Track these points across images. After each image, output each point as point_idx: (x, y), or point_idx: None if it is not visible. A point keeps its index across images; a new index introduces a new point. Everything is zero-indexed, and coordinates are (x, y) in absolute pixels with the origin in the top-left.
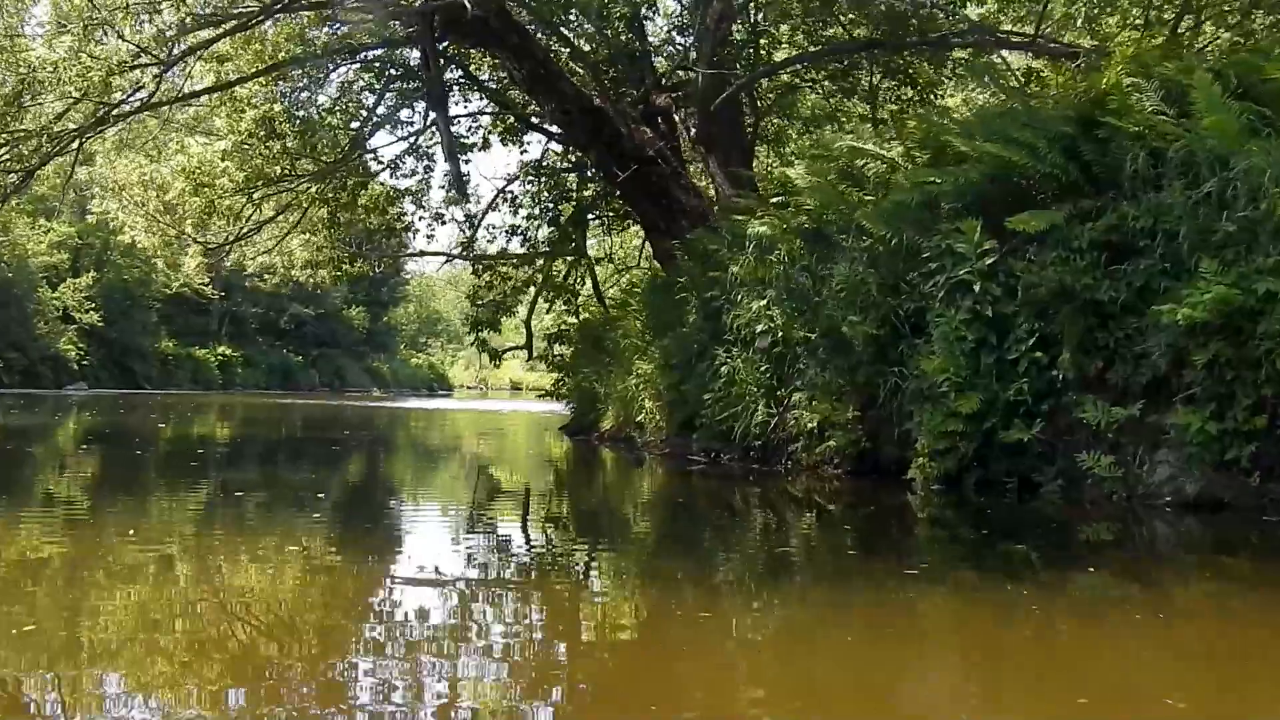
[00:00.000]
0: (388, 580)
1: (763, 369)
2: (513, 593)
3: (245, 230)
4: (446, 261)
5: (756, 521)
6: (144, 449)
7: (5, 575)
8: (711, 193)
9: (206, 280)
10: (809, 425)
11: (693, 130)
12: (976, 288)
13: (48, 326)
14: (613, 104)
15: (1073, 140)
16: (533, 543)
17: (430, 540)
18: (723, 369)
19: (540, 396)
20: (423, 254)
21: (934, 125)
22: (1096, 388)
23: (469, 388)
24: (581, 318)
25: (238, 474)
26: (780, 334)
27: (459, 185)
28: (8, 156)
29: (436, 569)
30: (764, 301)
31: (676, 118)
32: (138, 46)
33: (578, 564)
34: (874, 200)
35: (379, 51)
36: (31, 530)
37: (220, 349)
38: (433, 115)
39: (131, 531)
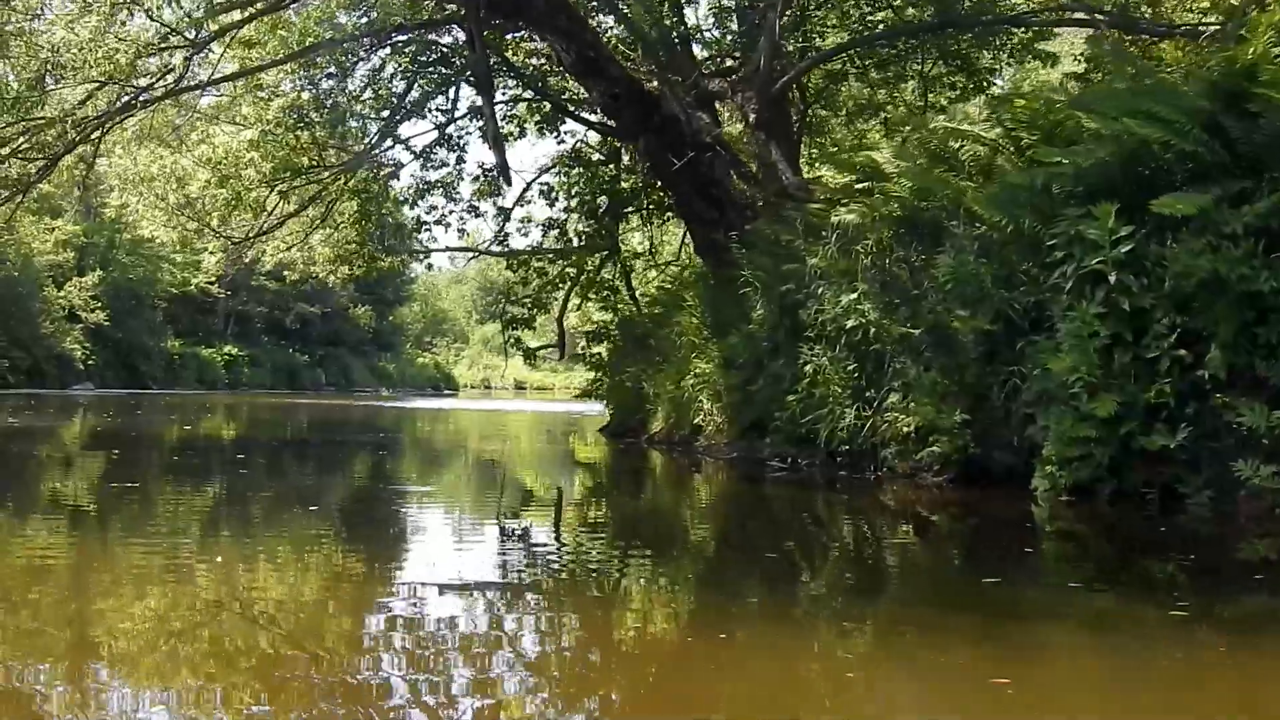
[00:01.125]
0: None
1: (850, 368)
2: (590, 617)
3: (269, 224)
4: (474, 257)
5: (856, 536)
6: (168, 453)
7: (34, 582)
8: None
9: (226, 276)
10: (905, 429)
11: (751, 116)
12: (1112, 278)
13: (53, 325)
14: (669, 88)
15: (1213, 117)
16: (608, 561)
17: (514, 567)
18: (806, 368)
19: (576, 397)
20: (454, 250)
21: (1050, 103)
22: (1250, 389)
23: (489, 387)
24: (620, 315)
25: (270, 481)
26: (872, 330)
27: (504, 173)
28: (27, 145)
29: (524, 601)
30: (854, 295)
31: (734, 102)
32: (167, 26)
33: (659, 589)
34: (972, 185)
35: (408, 36)
36: (67, 537)
37: (226, 348)
38: (468, 102)
39: (183, 547)
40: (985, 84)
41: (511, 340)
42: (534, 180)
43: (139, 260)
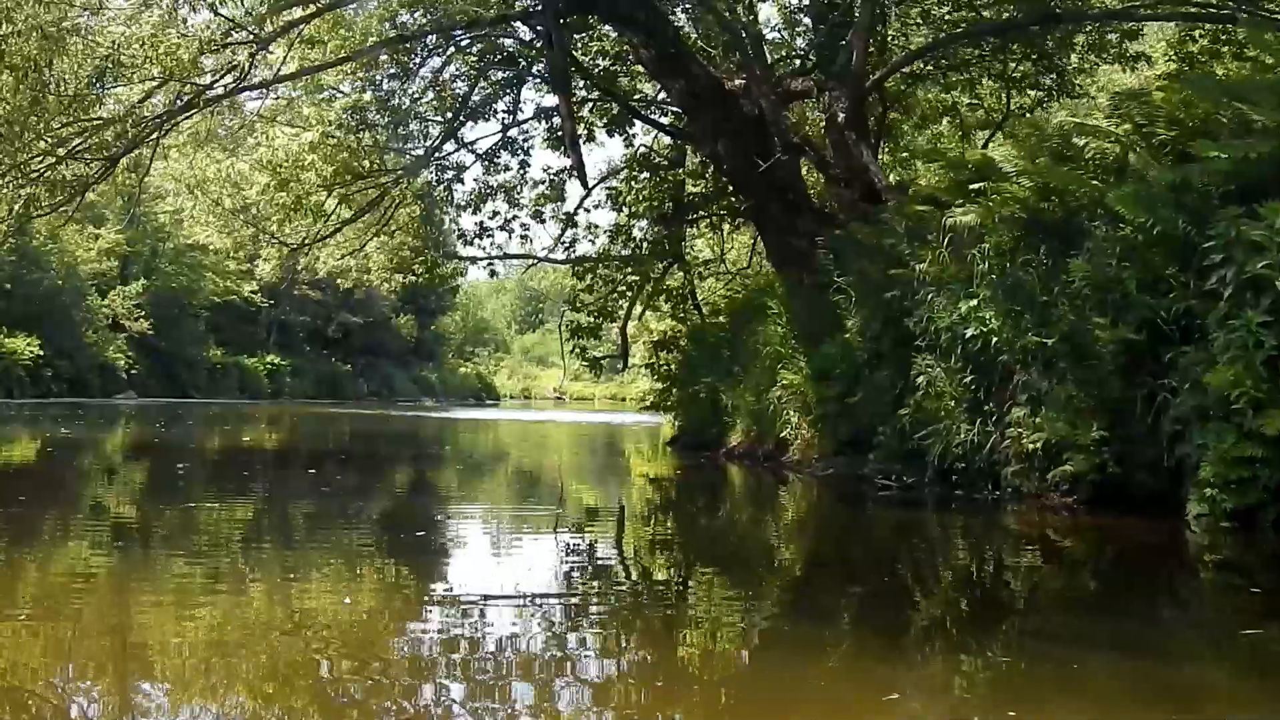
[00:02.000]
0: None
1: (967, 380)
2: (686, 649)
3: (328, 229)
4: (533, 264)
5: (978, 564)
6: (237, 467)
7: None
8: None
9: (276, 283)
10: (1032, 446)
11: (840, 115)
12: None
13: (96, 335)
14: (757, 85)
15: None
16: (699, 592)
17: (627, 601)
18: (917, 380)
19: (643, 408)
20: (516, 257)
21: (1194, 96)
22: None
23: (528, 397)
24: (690, 323)
25: (356, 499)
26: (994, 340)
27: (580, 174)
28: (84, 146)
29: (617, 635)
30: (973, 302)
31: (820, 102)
32: (231, 21)
33: (758, 628)
34: (1104, 185)
35: (474, 35)
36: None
37: (268, 358)
38: (533, 104)
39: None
40: (1071, 85)
41: (576, 349)
42: (596, 184)
43: (182, 269)
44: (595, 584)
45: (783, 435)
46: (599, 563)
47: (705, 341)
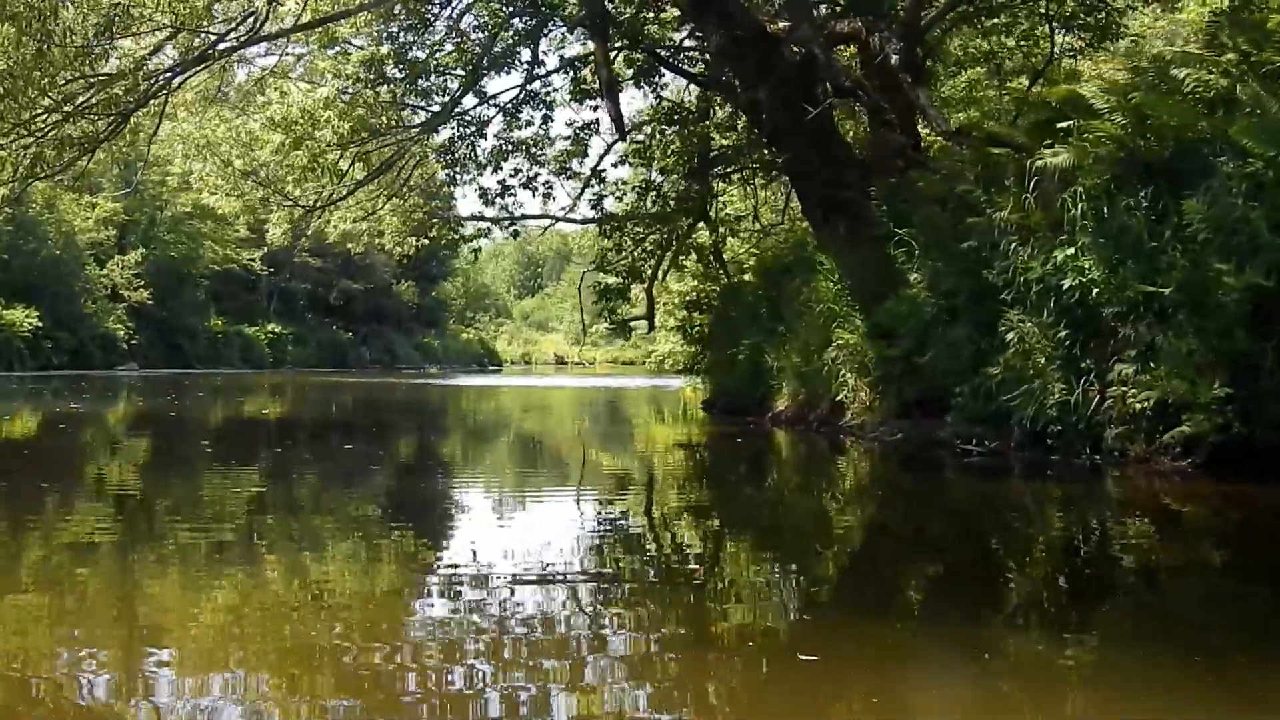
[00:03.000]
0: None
1: (1061, 334)
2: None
3: (343, 190)
4: (553, 224)
5: (1092, 538)
6: (268, 442)
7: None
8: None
9: (279, 249)
10: (1140, 405)
11: (894, 58)
12: None
13: (96, 305)
14: (810, 25)
15: None
16: (776, 573)
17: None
18: (1008, 336)
19: (679, 371)
20: (541, 218)
21: None
22: None
23: (528, 362)
24: (722, 283)
25: (394, 481)
26: (1094, 291)
27: (618, 124)
28: (92, 102)
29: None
30: (1070, 250)
31: (871, 44)
32: None
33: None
34: (1209, 119)
35: None
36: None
37: (270, 326)
38: (556, 55)
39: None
40: (1117, 26)
41: (605, 311)
42: (622, 138)
43: (180, 237)
44: (667, 562)
45: (839, 398)
46: (668, 540)
47: (742, 301)
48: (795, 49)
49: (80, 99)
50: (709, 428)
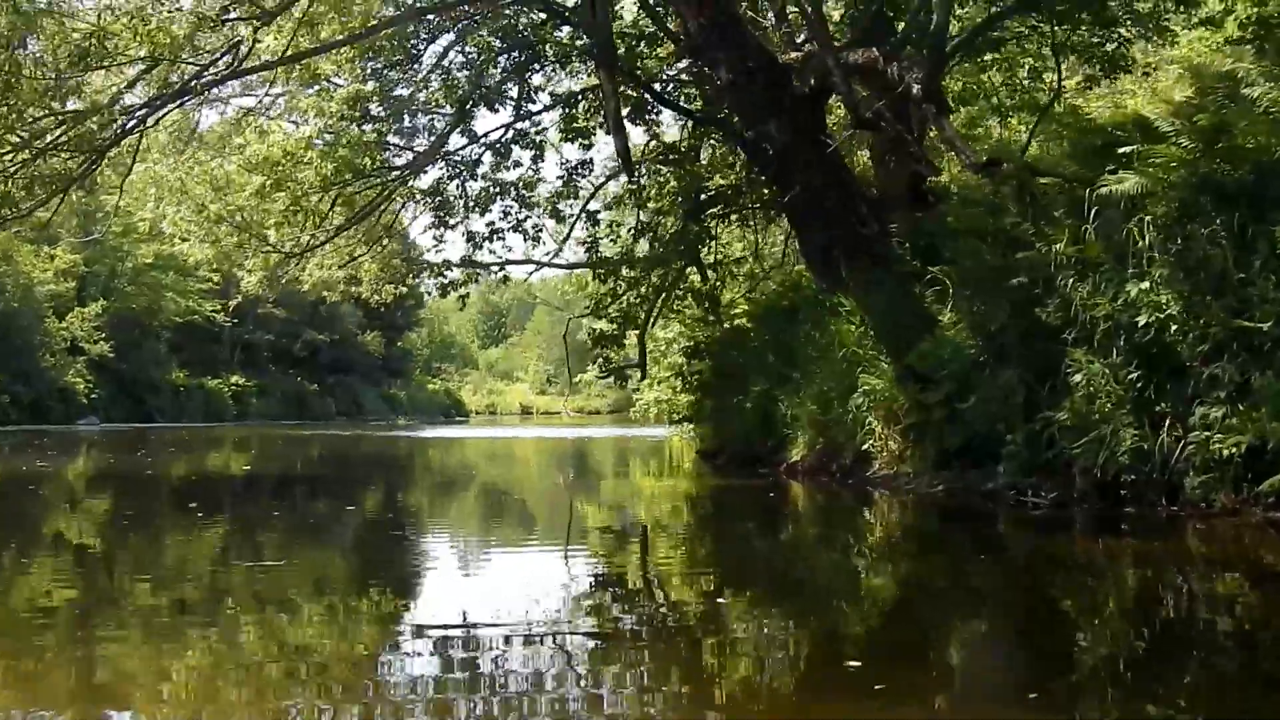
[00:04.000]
0: None
1: (1133, 376)
2: None
3: (324, 234)
4: (537, 269)
5: (1176, 602)
6: (245, 503)
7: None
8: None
9: (268, 296)
10: (1228, 451)
11: (915, 88)
12: None
13: (55, 358)
14: (831, 55)
15: None
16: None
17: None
18: (1074, 378)
19: (673, 420)
20: (530, 263)
21: None
22: None
23: (494, 413)
24: (722, 328)
25: (384, 544)
26: (1172, 327)
27: (626, 162)
28: (65, 139)
29: None
30: (1144, 285)
31: (890, 73)
32: None
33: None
34: None
35: (484, 13)
36: None
37: (233, 378)
38: (547, 91)
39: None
40: (1126, 58)
41: (600, 358)
42: (607, 181)
43: (142, 289)
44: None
45: (865, 447)
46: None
47: (746, 346)
48: (810, 79)
49: (51, 135)
50: (717, 480)
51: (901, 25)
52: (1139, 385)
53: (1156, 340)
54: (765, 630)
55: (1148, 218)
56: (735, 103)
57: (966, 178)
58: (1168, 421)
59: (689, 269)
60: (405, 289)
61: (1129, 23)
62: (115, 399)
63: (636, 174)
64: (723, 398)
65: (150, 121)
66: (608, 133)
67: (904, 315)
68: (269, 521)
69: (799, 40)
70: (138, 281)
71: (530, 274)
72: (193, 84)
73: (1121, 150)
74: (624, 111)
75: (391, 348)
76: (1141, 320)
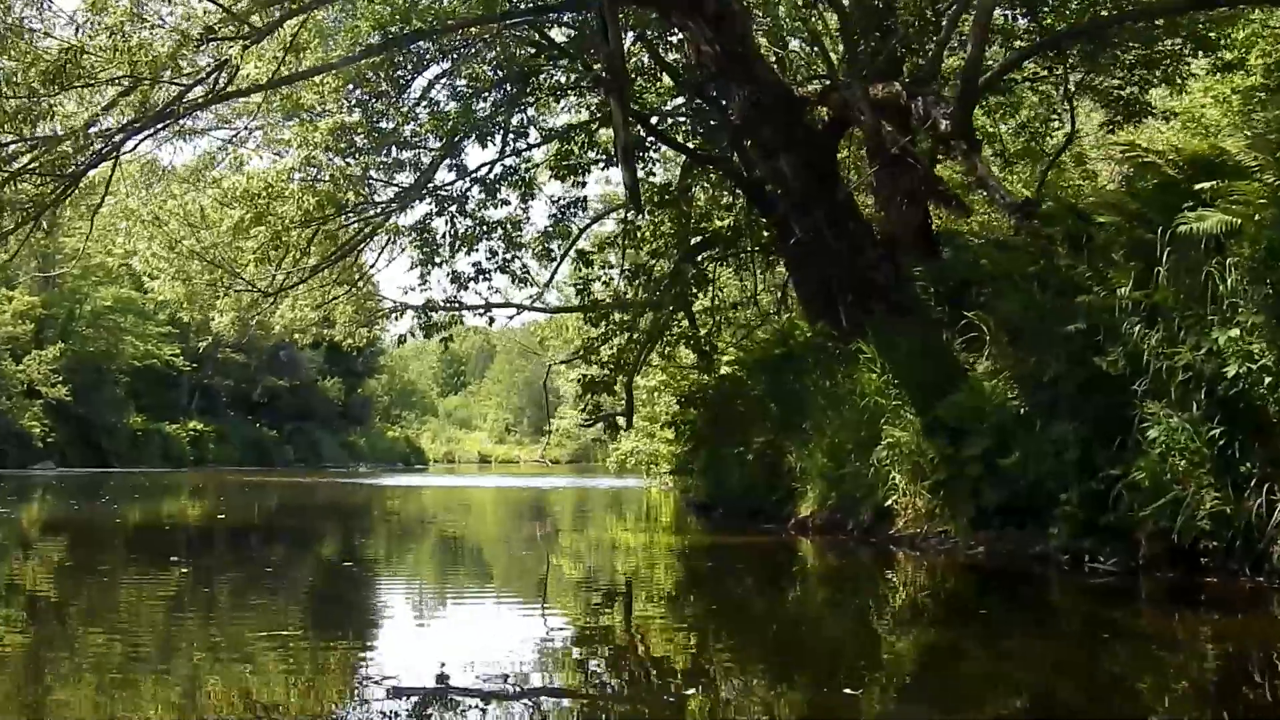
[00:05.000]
0: None
1: (1215, 433)
2: None
3: (302, 273)
4: (519, 311)
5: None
6: (234, 555)
7: None
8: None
9: (242, 336)
10: None
11: (944, 124)
12: None
13: (11, 401)
14: (859, 89)
15: None
16: None
17: None
18: (1149, 433)
19: (658, 473)
20: (521, 307)
21: None
22: None
23: (452, 461)
24: (724, 374)
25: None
26: (1266, 380)
27: (634, 196)
28: (35, 164)
29: None
30: (1233, 332)
31: (914, 109)
32: (223, 6)
33: None
34: None
35: (485, 34)
36: None
37: (191, 424)
38: (538, 124)
39: None
40: (1140, 103)
41: (589, 408)
42: (595, 221)
43: (100, 332)
44: None
45: (887, 504)
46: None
47: (745, 394)
48: (828, 114)
49: (21, 161)
50: (717, 536)
51: (907, 64)
52: (1222, 443)
53: (1243, 394)
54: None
55: (1231, 259)
56: (745, 137)
57: (995, 220)
58: (1253, 483)
59: (681, 314)
60: (379, 334)
61: (1147, 68)
62: (72, 443)
63: (630, 214)
64: (719, 448)
65: (128, 146)
66: (615, 164)
67: (931, 364)
68: (260, 577)
69: (809, 74)
70: (96, 324)
71: (512, 317)
72: (174, 108)
73: (1199, 186)
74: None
75: (351, 394)
76: (1230, 371)
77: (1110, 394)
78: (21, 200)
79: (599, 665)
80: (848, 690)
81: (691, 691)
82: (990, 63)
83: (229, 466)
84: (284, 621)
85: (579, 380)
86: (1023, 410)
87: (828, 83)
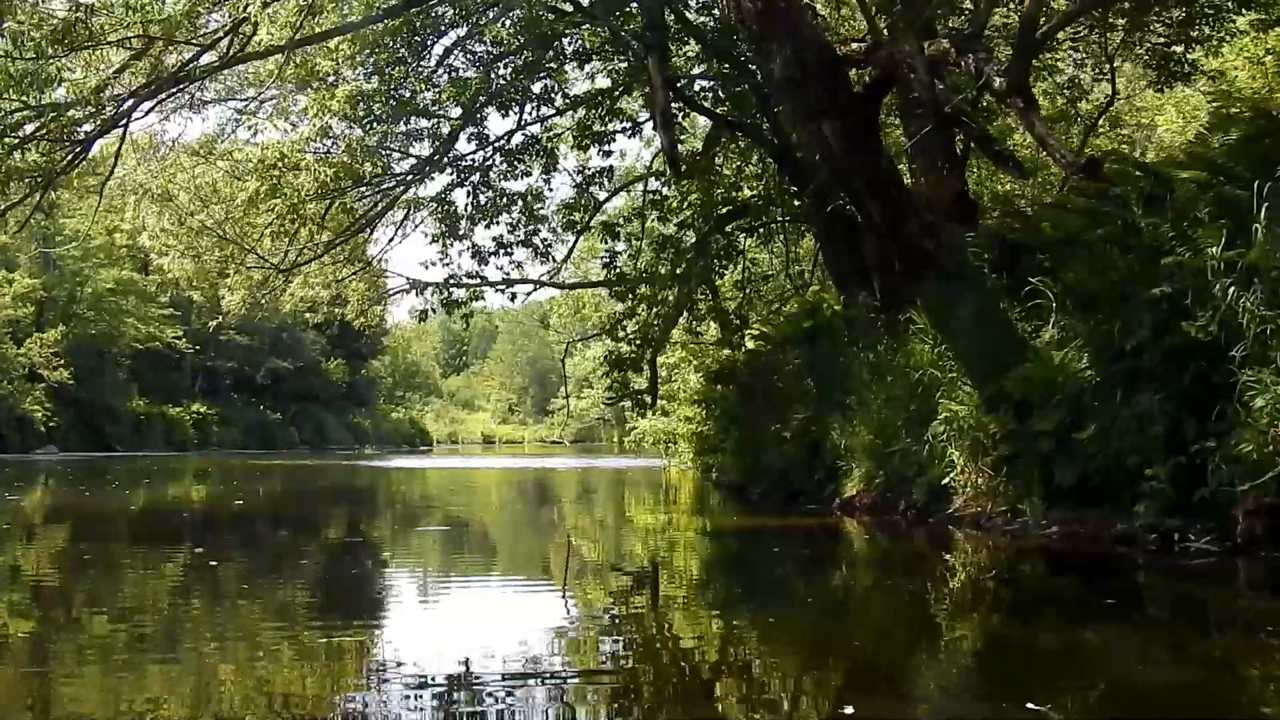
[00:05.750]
0: None
1: None
2: None
3: (317, 248)
4: (537, 288)
5: None
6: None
7: None
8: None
9: (253, 315)
10: None
11: (998, 81)
12: None
13: (12, 385)
14: (912, 42)
15: None
16: None
17: None
18: (1255, 402)
19: (695, 454)
20: (542, 284)
21: None
22: None
23: (455, 442)
24: (748, 350)
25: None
26: None
27: (673, 160)
28: (43, 130)
29: None
30: None
31: (964, 66)
32: None
33: None
34: None
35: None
36: None
37: (195, 407)
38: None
39: None
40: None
41: (617, 384)
42: (621, 189)
43: (102, 315)
44: None
45: (944, 483)
46: None
47: (781, 369)
48: (873, 73)
49: (30, 127)
50: (756, 518)
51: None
52: None
53: None
54: None
55: None
56: (786, 100)
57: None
58: None
59: (707, 287)
60: (391, 312)
61: (1189, 25)
62: (74, 427)
63: (662, 183)
64: (752, 426)
65: (139, 113)
66: (638, 134)
67: (990, 334)
68: (296, 567)
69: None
70: (98, 307)
71: (530, 293)
72: (188, 70)
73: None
74: (645, 116)
75: (355, 376)
76: None
77: (1200, 362)
78: (30, 169)
79: (673, 667)
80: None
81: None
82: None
83: (234, 450)
84: (328, 612)
85: (605, 357)
86: (1098, 381)
87: (871, 41)
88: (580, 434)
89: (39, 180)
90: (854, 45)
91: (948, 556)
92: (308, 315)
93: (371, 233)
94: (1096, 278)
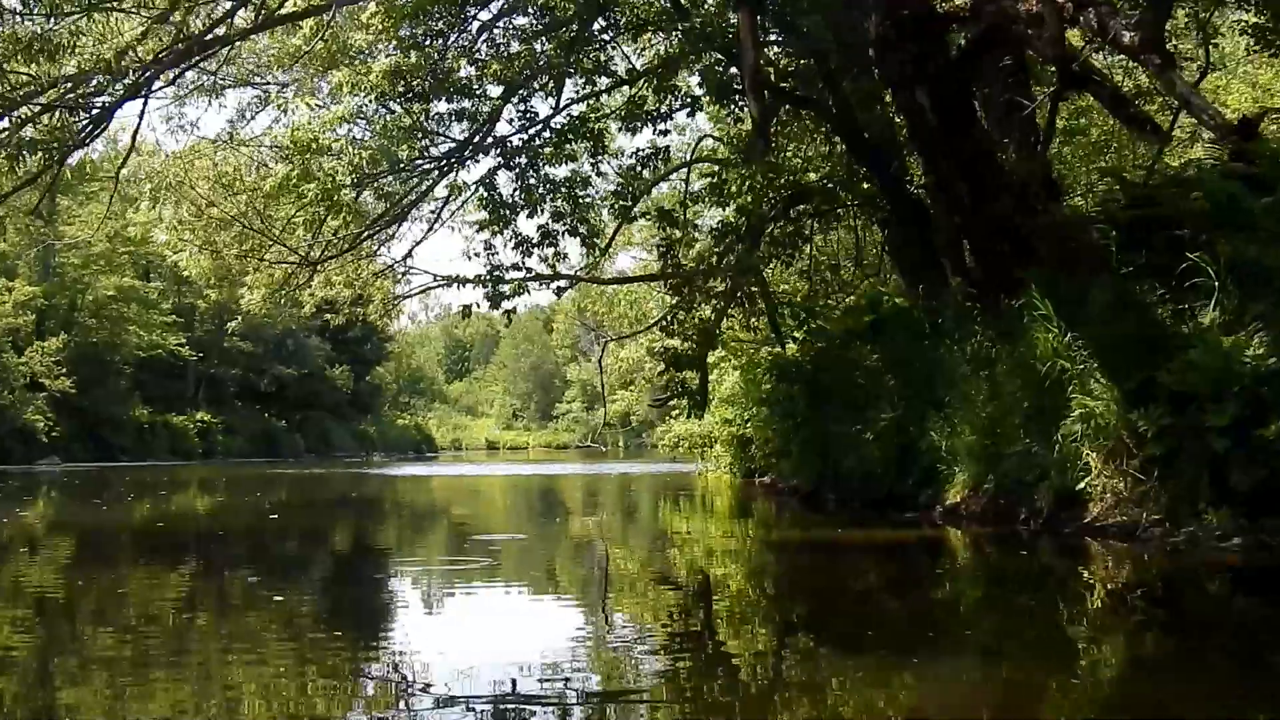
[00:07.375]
0: None
1: None
2: None
3: (346, 241)
4: (574, 283)
5: None
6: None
7: None
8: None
9: (274, 316)
10: None
11: (1128, 36)
12: None
13: (13, 395)
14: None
15: None
16: None
17: None
18: None
19: (764, 458)
20: (594, 280)
21: None
22: None
23: (459, 448)
24: (818, 346)
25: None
26: None
27: (763, 131)
28: (56, 98)
29: None
30: None
31: (1086, 21)
32: None
33: None
34: None
35: None
36: None
37: (199, 415)
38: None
39: None
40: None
41: (675, 384)
42: (670, 172)
43: (104, 322)
44: None
45: (1077, 488)
46: None
47: (859, 365)
48: (975, 32)
49: (44, 96)
50: (839, 530)
51: None
52: None
53: None
54: None
55: None
56: (879, 63)
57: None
58: None
59: (760, 279)
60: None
61: None
62: (76, 437)
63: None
64: (824, 427)
65: (161, 80)
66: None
67: (1129, 321)
68: (340, 586)
69: None
70: (99, 314)
71: (568, 286)
72: (214, 32)
73: None
74: (701, 93)
75: (360, 382)
76: None
77: None
78: (45, 139)
79: None
80: None
81: None
82: None
83: (239, 459)
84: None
85: (660, 354)
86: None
87: None
88: (582, 439)
89: (54, 154)
90: (956, 1)
91: (1108, 576)
92: (327, 317)
93: (404, 224)
94: (1271, 250)
